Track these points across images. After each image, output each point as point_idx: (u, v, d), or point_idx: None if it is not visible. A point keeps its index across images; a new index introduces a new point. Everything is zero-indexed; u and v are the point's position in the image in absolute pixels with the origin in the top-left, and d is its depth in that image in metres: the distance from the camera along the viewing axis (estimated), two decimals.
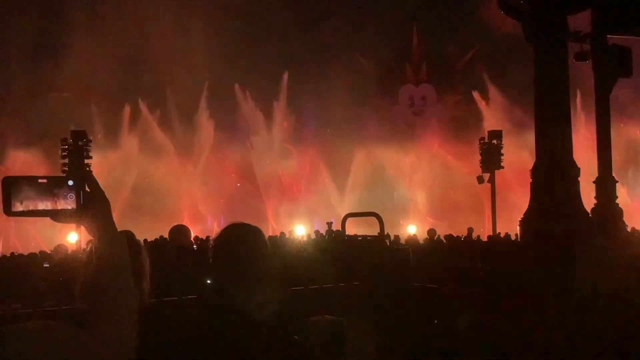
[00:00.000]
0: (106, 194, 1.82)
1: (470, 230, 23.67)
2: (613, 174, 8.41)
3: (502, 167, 29.61)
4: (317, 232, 23.47)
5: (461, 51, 46.72)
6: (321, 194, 41.06)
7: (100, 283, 1.76)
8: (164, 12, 34.98)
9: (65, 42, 34.31)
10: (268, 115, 41.47)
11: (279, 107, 41.43)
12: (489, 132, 30.48)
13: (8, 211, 1.68)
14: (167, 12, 35.31)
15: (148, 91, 37.98)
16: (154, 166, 37.57)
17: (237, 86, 40.15)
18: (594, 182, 6.17)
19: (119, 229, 1.89)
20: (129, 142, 37.85)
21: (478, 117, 42.36)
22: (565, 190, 4.01)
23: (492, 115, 40.70)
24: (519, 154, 30.15)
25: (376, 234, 5.78)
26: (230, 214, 31.88)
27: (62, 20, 34.82)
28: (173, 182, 37.47)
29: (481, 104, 43.15)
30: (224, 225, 3.22)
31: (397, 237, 21.18)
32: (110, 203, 1.82)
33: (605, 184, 5.95)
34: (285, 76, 40.89)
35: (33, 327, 1.55)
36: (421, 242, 20.31)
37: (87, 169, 25.49)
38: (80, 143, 26.23)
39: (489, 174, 28.94)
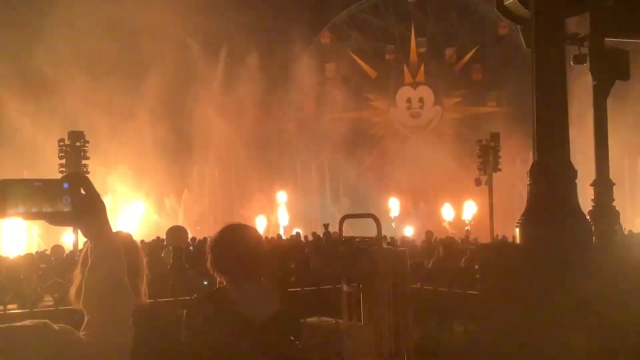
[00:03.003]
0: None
1: (468, 232, 23.72)
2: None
3: (500, 170, 29.60)
4: (314, 234, 23.49)
5: (459, 53, 46.81)
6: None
7: (96, 284, 1.76)
8: None
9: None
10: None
11: None
12: (486, 134, 30.46)
13: (3, 214, 1.67)
14: None
15: None
16: None
17: None
18: (591, 184, 6.19)
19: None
20: None
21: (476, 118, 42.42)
22: (563, 192, 4.02)
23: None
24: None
25: (373, 235, 5.78)
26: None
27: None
28: None
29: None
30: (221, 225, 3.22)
31: (393, 239, 21.20)
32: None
33: (603, 187, 5.97)
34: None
35: (30, 326, 1.55)
36: (418, 244, 20.33)
37: (84, 169, 25.41)
38: (77, 144, 26.13)
39: (486, 177, 28.92)
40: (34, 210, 1.69)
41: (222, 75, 40.55)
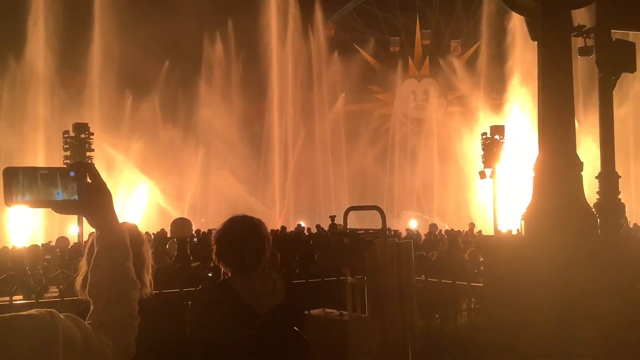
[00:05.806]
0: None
1: (471, 225, 23.72)
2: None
3: (504, 163, 29.49)
4: (318, 226, 23.49)
5: (464, 45, 46.62)
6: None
7: (102, 272, 1.76)
8: None
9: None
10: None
11: None
12: (491, 127, 30.31)
13: (9, 202, 1.67)
14: None
15: None
16: None
17: None
18: (596, 177, 6.14)
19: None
20: None
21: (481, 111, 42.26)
22: (568, 185, 4.00)
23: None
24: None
25: (377, 227, 5.78)
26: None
27: None
28: None
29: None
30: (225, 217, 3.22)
31: (398, 232, 21.22)
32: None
33: (608, 180, 5.92)
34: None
35: (36, 315, 1.55)
36: (423, 236, 20.35)
37: (89, 161, 25.44)
38: (82, 136, 26.16)
39: (491, 170, 28.85)
40: (40, 198, 1.69)
41: (227, 68, 40.53)
